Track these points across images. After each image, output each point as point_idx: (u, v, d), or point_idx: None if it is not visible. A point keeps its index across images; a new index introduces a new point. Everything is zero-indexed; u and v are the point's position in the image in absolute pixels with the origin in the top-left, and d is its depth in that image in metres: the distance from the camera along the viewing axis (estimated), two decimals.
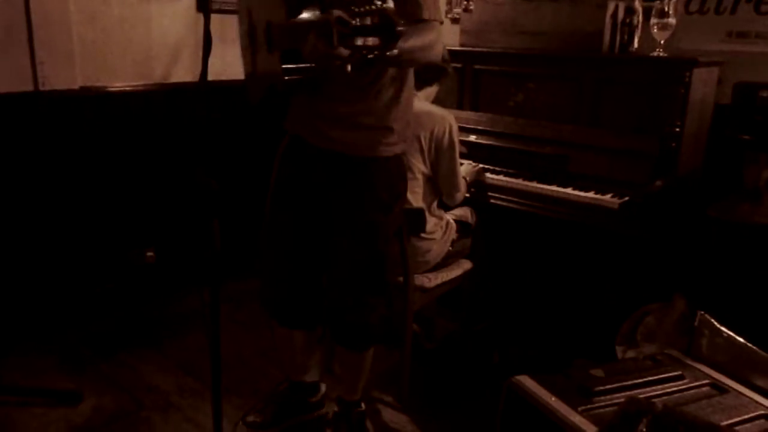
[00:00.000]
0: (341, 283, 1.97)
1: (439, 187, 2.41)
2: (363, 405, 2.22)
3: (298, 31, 1.62)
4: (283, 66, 1.70)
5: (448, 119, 2.34)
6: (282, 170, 1.99)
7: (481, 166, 2.68)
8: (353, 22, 1.33)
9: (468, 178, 2.58)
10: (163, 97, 3.12)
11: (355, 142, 1.83)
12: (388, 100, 1.83)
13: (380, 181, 1.89)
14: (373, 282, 1.96)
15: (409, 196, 2.33)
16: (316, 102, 1.84)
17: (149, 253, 3.18)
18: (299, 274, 2.03)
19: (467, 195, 2.65)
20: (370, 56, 1.41)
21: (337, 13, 1.34)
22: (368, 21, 1.34)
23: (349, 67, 1.45)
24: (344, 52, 1.39)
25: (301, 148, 1.91)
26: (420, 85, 2.44)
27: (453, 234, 2.49)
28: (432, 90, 2.50)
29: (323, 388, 2.34)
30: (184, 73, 3.19)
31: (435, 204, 2.47)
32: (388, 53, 1.41)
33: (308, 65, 1.68)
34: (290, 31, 1.66)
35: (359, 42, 1.35)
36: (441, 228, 2.44)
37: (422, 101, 2.42)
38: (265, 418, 2.22)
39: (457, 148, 2.36)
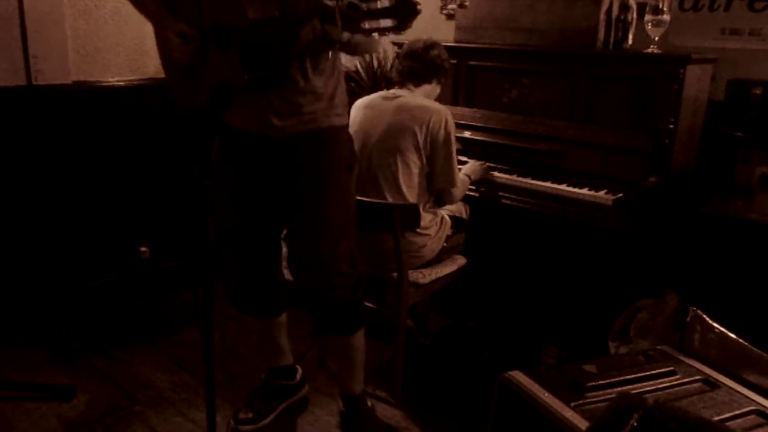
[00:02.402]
0: (319, 258, 1.93)
1: (435, 183, 2.41)
2: (369, 402, 2.23)
3: (265, 28, 1.64)
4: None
5: (443, 113, 2.33)
6: (225, 165, 1.97)
7: (487, 164, 2.66)
8: (363, 6, 1.36)
9: (473, 177, 2.57)
10: (156, 92, 3.11)
11: (309, 119, 1.84)
12: (330, 69, 1.86)
13: (339, 145, 1.93)
14: (350, 251, 1.96)
15: (405, 190, 2.33)
16: (268, 94, 1.81)
17: (143, 249, 3.18)
18: (259, 266, 2.06)
19: (476, 195, 2.64)
20: (379, 35, 1.46)
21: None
22: (378, 4, 1.36)
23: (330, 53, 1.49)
24: (345, 36, 1.42)
25: (247, 140, 1.89)
26: (418, 82, 2.44)
27: (447, 230, 2.49)
28: (432, 88, 2.50)
29: (299, 369, 2.37)
30: None
31: (432, 200, 2.47)
32: (399, 32, 1.45)
33: (266, 58, 1.69)
34: (254, 29, 1.67)
35: (366, 25, 1.38)
36: (436, 224, 2.44)
37: (419, 96, 2.42)
38: (255, 412, 2.23)
39: (454, 142, 2.36)
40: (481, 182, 2.63)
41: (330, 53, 1.74)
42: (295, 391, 2.35)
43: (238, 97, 1.85)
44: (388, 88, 2.52)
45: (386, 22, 1.38)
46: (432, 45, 2.45)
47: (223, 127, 1.96)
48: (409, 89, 2.44)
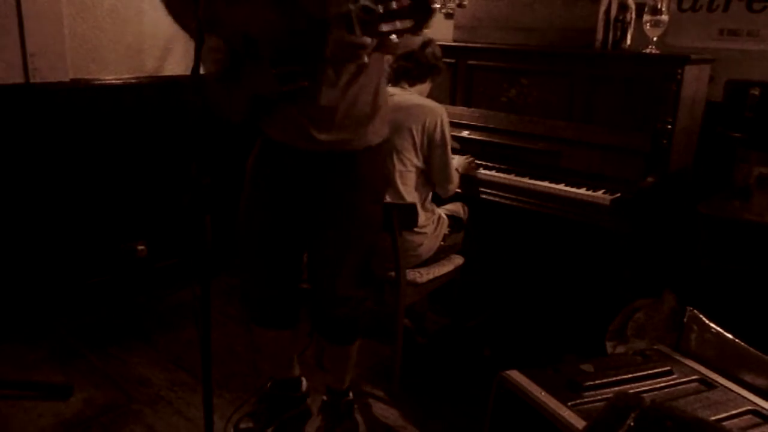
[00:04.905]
0: (332, 277, 1.96)
1: (433, 180, 2.41)
2: (351, 394, 2.23)
3: (292, 39, 1.63)
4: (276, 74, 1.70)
5: (438, 111, 2.34)
6: (260, 174, 1.96)
7: (472, 158, 2.68)
8: (378, 9, 1.34)
9: (461, 170, 2.58)
10: (154, 90, 3.11)
11: (348, 138, 1.82)
12: (374, 87, 1.83)
13: (373, 171, 1.90)
14: (362, 274, 1.98)
15: (402, 189, 2.33)
16: (303, 105, 1.79)
17: (141, 247, 3.17)
18: (282, 277, 2.03)
19: (458, 190, 2.65)
20: (398, 39, 1.42)
21: (362, 2, 1.35)
22: (393, 5, 1.36)
23: (366, 59, 1.46)
24: (367, 41, 1.40)
25: (283, 152, 1.88)
26: (412, 82, 2.45)
27: (445, 228, 2.50)
28: (425, 87, 2.50)
29: (305, 381, 2.33)
30: (176, 66, 3.17)
31: (429, 198, 2.47)
32: (416, 33, 1.43)
33: (299, 69, 1.67)
34: (282, 41, 1.65)
35: (385, 28, 1.37)
36: (433, 222, 2.44)
37: (413, 94, 2.42)
38: (257, 422, 2.20)
39: (449, 139, 2.37)
40: (476, 179, 2.64)
41: (366, 61, 1.62)
42: (299, 403, 2.30)
43: (275, 108, 1.84)
44: None
45: (404, 24, 1.37)
46: (426, 44, 2.43)
47: (263, 136, 1.95)
48: (402, 87, 2.44)
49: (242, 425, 2.20)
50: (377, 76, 1.84)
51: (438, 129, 2.31)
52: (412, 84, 2.45)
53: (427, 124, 2.30)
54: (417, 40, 1.89)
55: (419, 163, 2.35)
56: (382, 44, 1.53)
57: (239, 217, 2.00)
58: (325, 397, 2.23)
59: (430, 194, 2.48)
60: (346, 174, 1.86)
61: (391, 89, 2.42)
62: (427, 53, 2.42)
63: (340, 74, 1.75)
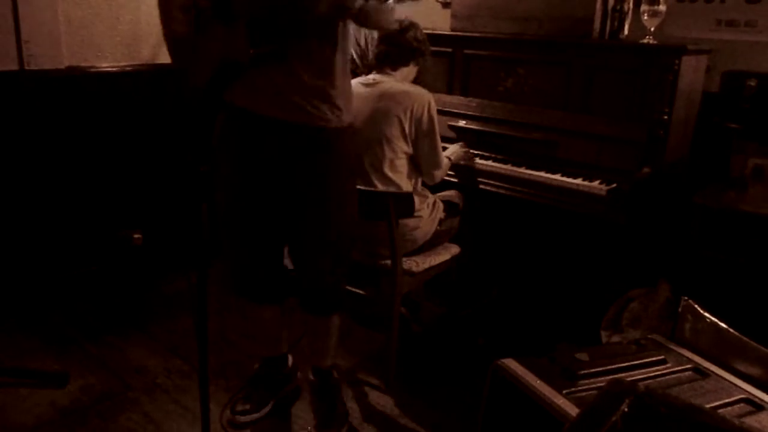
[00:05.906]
0: (313, 252, 1.99)
1: (419, 166, 2.42)
2: (335, 373, 2.26)
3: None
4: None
5: (425, 97, 2.33)
6: (230, 147, 1.93)
7: (466, 147, 2.69)
8: None
9: (453, 158, 2.58)
10: (150, 78, 3.09)
11: (324, 112, 1.83)
12: (340, 70, 1.85)
13: (345, 148, 1.93)
14: (342, 248, 2.01)
15: (394, 176, 2.33)
16: (280, 74, 1.77)
17: (136, 235, 3.17)
18: (265, 251, 2.06)
19: (455, 180, 2.65)
20: None
21: None
22: None
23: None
24: (358, 2, 1.46)
25: (256, 123, 1.85)
26: (395, 66, 2.44)
27: (440, 213, 2.50)
28: (409, 70, 2.49)
29: (291, 357, 2.38)
30: None
31: (419, 182, 2.48)
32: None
33: (273, 35, 1.66)
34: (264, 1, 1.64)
35: None
36: (428, 206, 2.44)
37: (399, 81, 2.41)
38: (253, 403, 2.24)
39: (437, 124, 2.37)
40: (477, 171, 2.64)
41: (338, 37, 1.68)
42: (289, 379, 2.36)
43: (245, 74, 1.79)
44: (367, 73, 2.51)
45: None
46: (407, 28, 2.43)
47: (228, 106, 1.88)
48: (387, 73, 2.43)
49: (239, 408, 2.22)
50: (343, 60, 1.86)
51: (425, 115, 2.31)
52: (395, 68, 2.43)
53: (414, 110, 2.30)
54: (390, 20, 1.90)
55: (409, 150, 2.36)
56: (366, 10, 1.56)
57: (216, 197, 1.99)
58: (312, 378, 2.26)
59: (420, 178, 2.48)
60: (319, 150, 1.87)
61: (375, 76, 2.43)
62: (409, 37, 2.42)
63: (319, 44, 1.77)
